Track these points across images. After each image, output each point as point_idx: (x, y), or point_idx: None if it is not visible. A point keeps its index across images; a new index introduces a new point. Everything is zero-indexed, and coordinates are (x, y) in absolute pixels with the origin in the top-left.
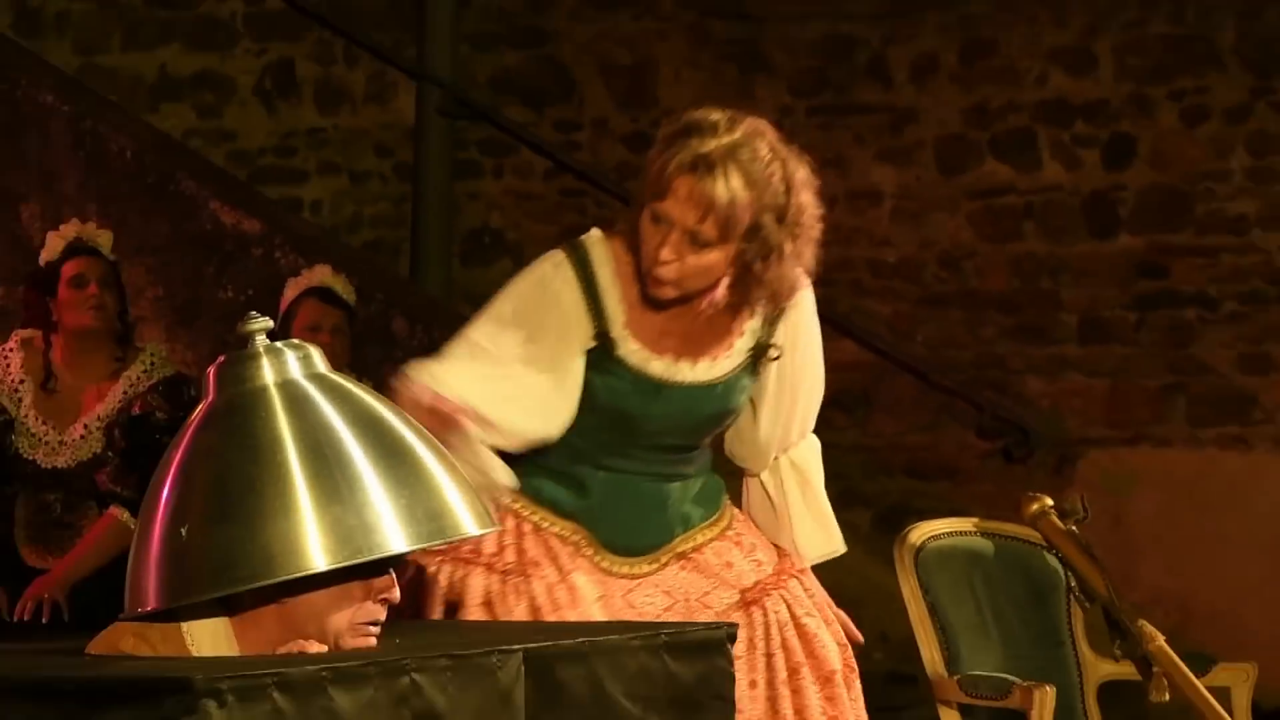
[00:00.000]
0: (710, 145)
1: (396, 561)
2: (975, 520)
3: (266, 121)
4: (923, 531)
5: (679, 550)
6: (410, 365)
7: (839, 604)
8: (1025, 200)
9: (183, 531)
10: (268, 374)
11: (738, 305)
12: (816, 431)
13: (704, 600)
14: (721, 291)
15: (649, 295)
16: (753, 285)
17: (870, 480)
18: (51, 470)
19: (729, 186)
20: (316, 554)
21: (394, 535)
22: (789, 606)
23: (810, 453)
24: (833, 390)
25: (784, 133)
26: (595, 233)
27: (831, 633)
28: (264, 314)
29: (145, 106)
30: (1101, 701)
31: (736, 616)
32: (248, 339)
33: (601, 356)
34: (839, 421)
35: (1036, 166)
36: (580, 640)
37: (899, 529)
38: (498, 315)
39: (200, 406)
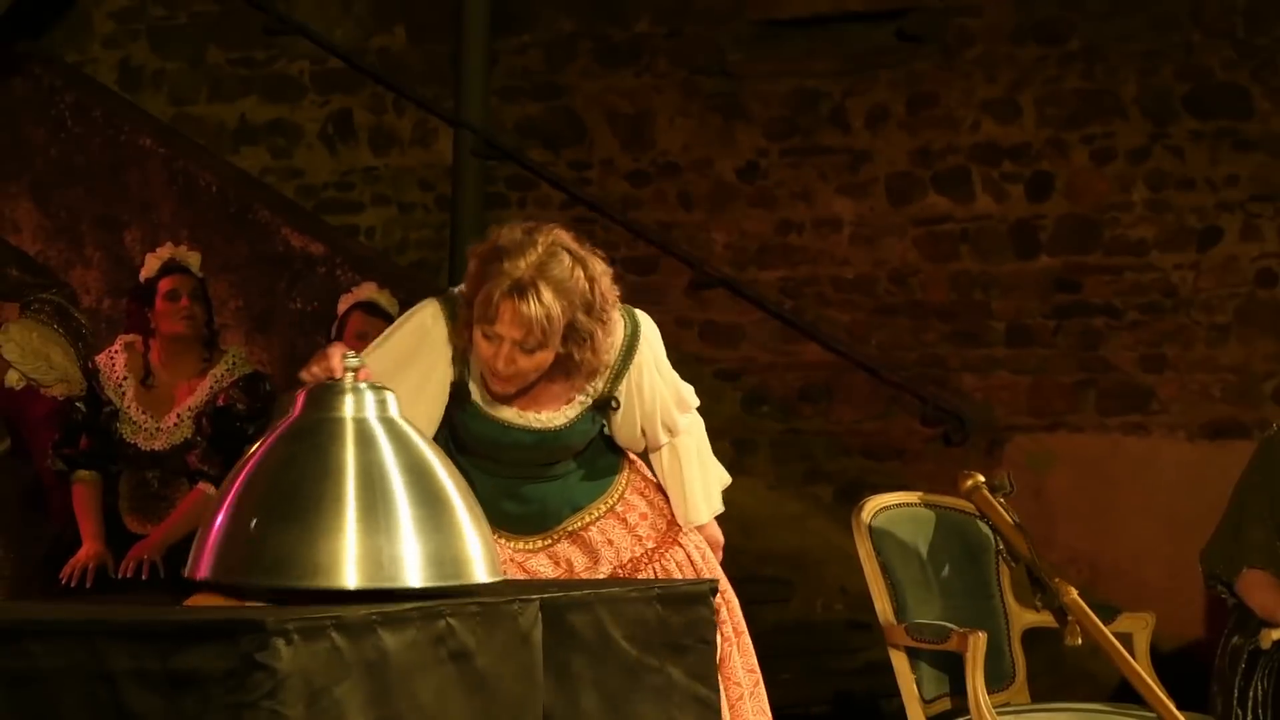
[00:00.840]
0: (521, 268)
1: None
2: (920, 494)
3: (329, 161)
4: (876, 503)
5: (569, 529)
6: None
7: (807, 564)
8: (961, 227)
9: (252, 524)
10: (348, 409)
11: (570, 380)
12: (787, 422)
13: (588, 572)
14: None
15: (493, 390)
16: (573, 367)
17: (832, 460)
18: (150, 452)
19: (543, 303)
20: (351, 574)
21: (413, 573)
22: (679, 568)
23: (686, 437)
24: (800, 385)
25: (760, 171)
26: (457, 290)
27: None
28: (325, 323)
29: (228, 149)
30: (1024, 645)
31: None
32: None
33: (462, 398)
34: (806, 411)
35: (971, 199)
36: (588, 592)
37: (856, 501)
38: (378, 359)
39: (287, 419)
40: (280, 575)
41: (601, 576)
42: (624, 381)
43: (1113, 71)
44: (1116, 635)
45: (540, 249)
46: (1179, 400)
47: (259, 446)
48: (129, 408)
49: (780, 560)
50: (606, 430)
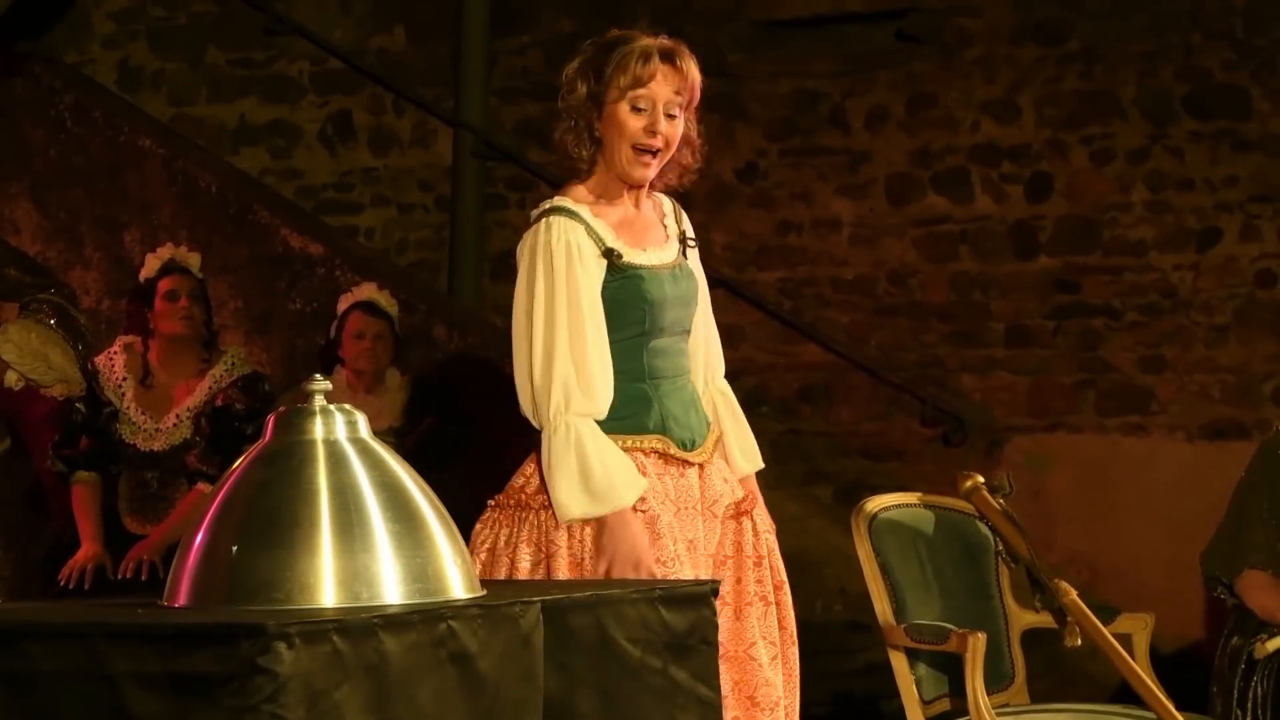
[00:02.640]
0: (662, 41)
1: None
2: (919, 495)
3: (328, 162)
4: (875, 504)
5: (713, 441)
6: (560, 419)
7: (807, 564)
8: (961, 227)
9: (233, 550)
10: (318, 430)
11: (662, 174)
12: (786, 423)
13: (730, 496)
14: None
15: (634, 176)
16: (685, 150)
17: (831, 461)
18: (149, 453)
19: (691, 66)
20: (329, 593)
21: (390, 590)
22: (765, 521)
23: (729, 388)
24: (799, 386)
25: (759, 172)
26: (546, 202)
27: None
28: (325, 323)
29: (227, 149)
30: (1024, 646)
31: (726, 524)
32: (308, 396)
33: (614, 268)
34: (805, 412)
35: (970, 199)
36: (589, 593)
37: (856, 502)
38: (547, 294)
39: (257, 445)
40: (259, 599)
41: (725, 510)
42: (684, 223)
43: (1112, 72)
44: (1116, 636)
45: (660, 35)
46: (1178, 401)
47: (226, 477)
48: (128, 408)
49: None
50: None
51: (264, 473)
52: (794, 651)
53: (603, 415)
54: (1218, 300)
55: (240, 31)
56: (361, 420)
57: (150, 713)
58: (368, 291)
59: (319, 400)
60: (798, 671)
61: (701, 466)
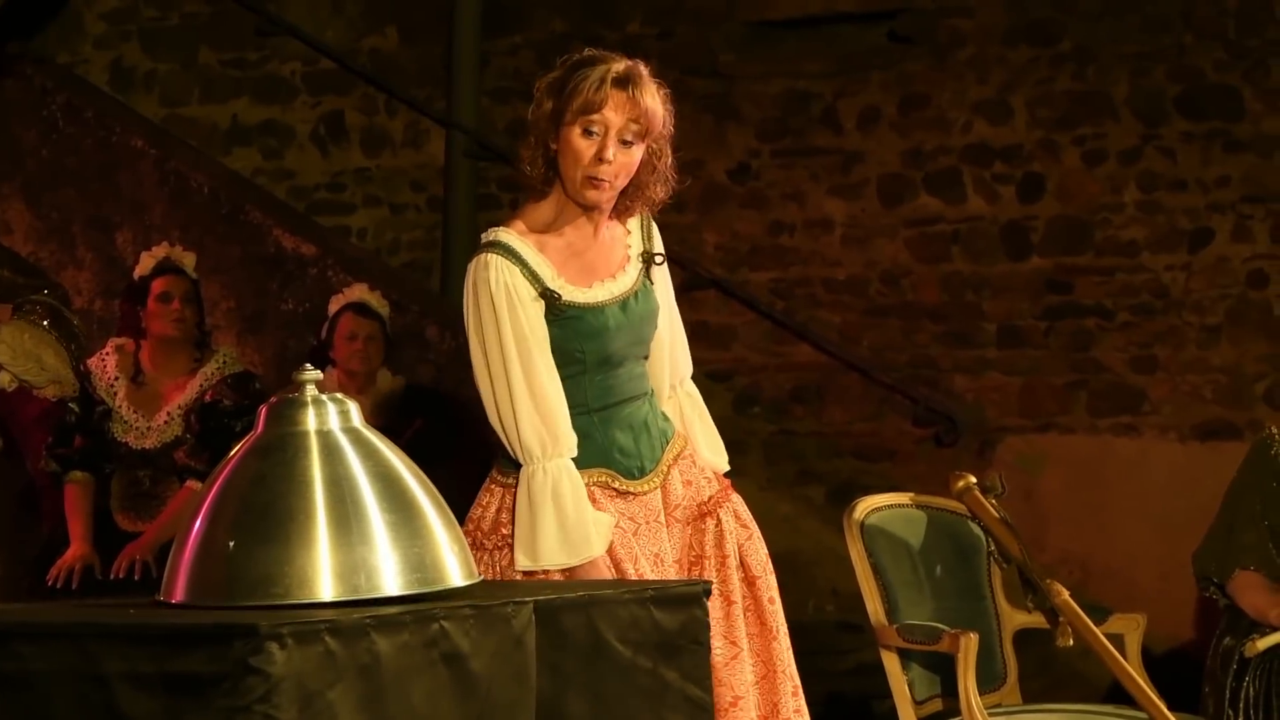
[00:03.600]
0: (621, 67)
1: None
2: (911, 495)
3: (321, 162)
4: (867, 504)
5: (672, 456)
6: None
7: (799, 565)
8: (953, 228)
9: (230, 545)
10: (311, 421)
11: (629, 208)
12: (778, 423)
13: (689, 501)
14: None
15: (585, 200)
16: (649, 180)
17: (824, 461)
18: (141, 451)
19: (645, 91)
20: (327, 586)
21: (389, 581)
22: (732, 520)
23: (695, 389)
24: (792, 386)
25: (751, 172)
26: (492, 231)
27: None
28: (317, 323)
29: (220, 150)
30: (1016, 646)
31: (692, 526)
32: (299, 386)
33: (552, 309)
34: (797, 412)
35: (962, 200)
36: (581, 594)
37: (848, 502)
38: (495, 337)
39: (249, 437)
40: (257, 594)
41: (687, 514)
42: (653, 241)
43: (1104, 73)
44: (1108, 636)
45: (625, 60)
46: (1170, 401)
47: (219, 470)
48: (120, 406)
49: (771, 561)
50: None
51: (258, 465)
52: (777, 645)
53: (573, 454)
54: (1210, 301)
55: (232, 32)
56: (354, 409)
57: (143, 713)
58: (359, 293)
59: (310, 390)
60: (784, 668)
61: (659, 487)
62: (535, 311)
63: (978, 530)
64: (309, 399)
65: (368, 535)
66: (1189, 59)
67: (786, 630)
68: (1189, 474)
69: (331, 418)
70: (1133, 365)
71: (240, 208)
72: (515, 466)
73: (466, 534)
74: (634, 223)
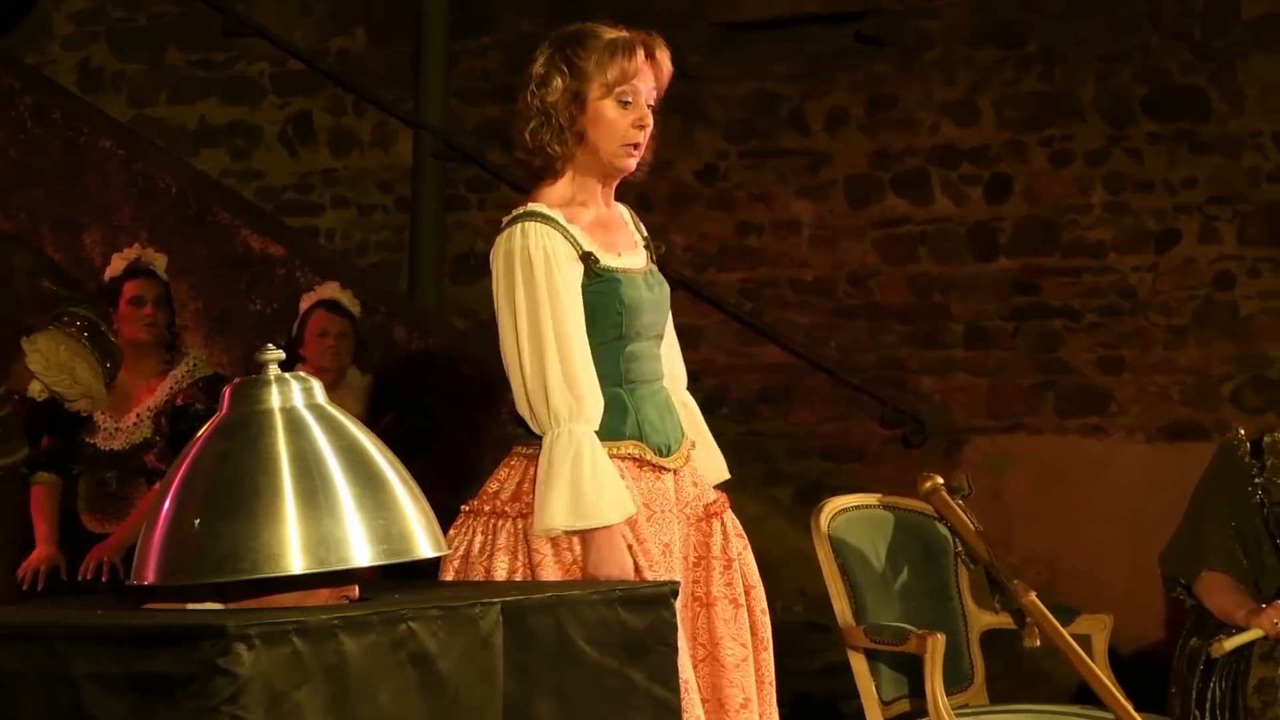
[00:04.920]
0: (643, 35)
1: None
2: (879, 495)
3: (288, 163)
4: (835, 505)
5: (687, 445)
6: (562, 434)
7: (767, 565)
8: (920, 229)
9: (196, 523)
10: (275, 399)
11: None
12: (746, 424)
13: (699, 499)
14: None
15: (623, 168)
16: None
17: (791, 462)
18: (109, 452)
19: (668, 59)
20: (296, 560)
21: (359, 552)
22: (734, 527)
23: (694, 403)
24: (759, 387)
25: (719, 173)
26: (519, 209)
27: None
28: (285, 323)
29: (187, 151)
30: (983, 647)
31: (696, 526)
32: (262, 366)
33: (591, 270)
34: (765, 413)
35: (929, 201)
36: (549, 595)
37: (815, 503)
38: (530, 302)
39: (214, 418)
40: (227, 570)
41: (697, 512)
42: (643, 230)
43: (1071, 74)
44: (1075, 637)
45: (629, 30)
46: (1137, 402)
47: (185, 451)
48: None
49: None
50: None
51: (223, 444)
52: (766, 657)
53: (598, 422)
54: (1176, 302)
55: (200, 33)
56: (317, 386)
57: (110, 714)
58: (331, 290)
59: (273, 369)
60: (771, 677)
61: (676, 471)
62: (573, 273)
63: (945, 531)
64: (272, 378)
65: (335, 508)
66: (1155, 60)
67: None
68: (1156, 475)
69: (295, 395)
70: (1100, 366)
71: (208, 208)
72: (537, 439)
73: (483, 503)
74: (626, 212)
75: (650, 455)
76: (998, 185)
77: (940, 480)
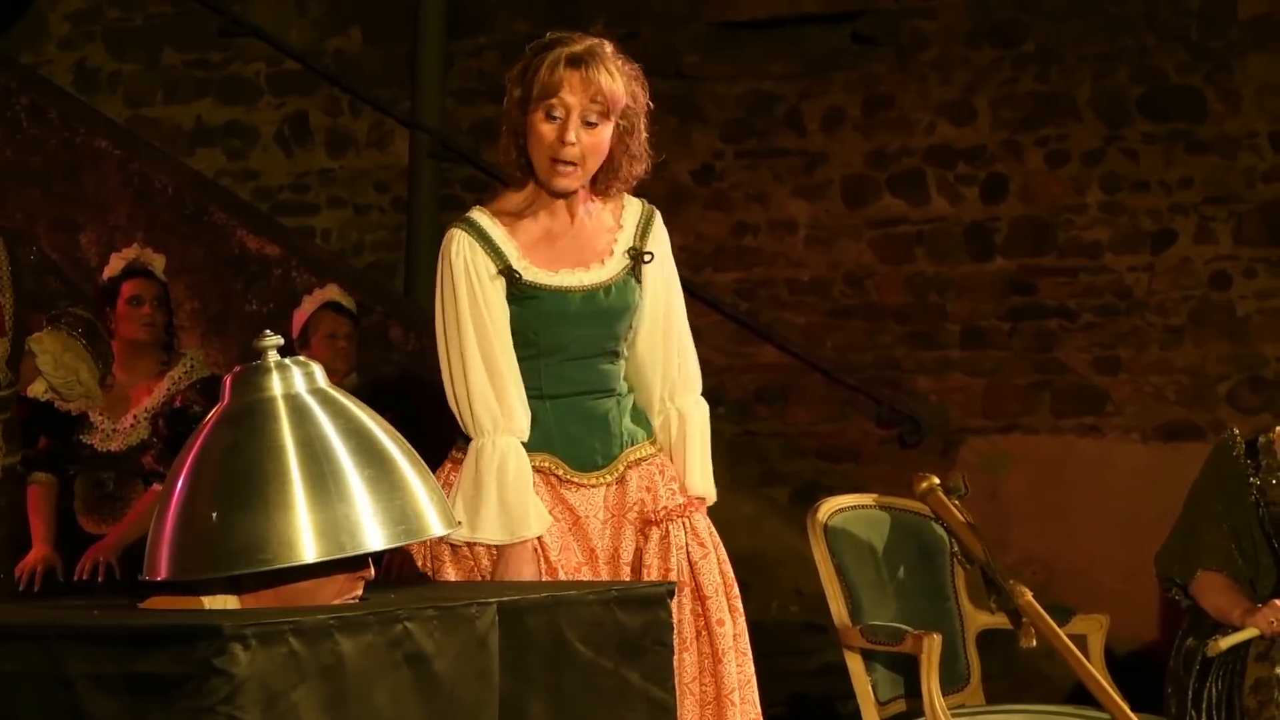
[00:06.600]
0: (578, 47)
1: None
2: (875, 496)
3: (285, 163)
4: (831, 505)
5: (630, 460)
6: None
7: (763, 565)
8: (917, 229)
9: (213, 515)
10: (277, 386)
11: (606, 188)
12: (742, 424)
13: (635, 508)
14: (590, 180)
15: (554, 186)
16: (622, 158)
17: (787, 462)
18: (106, 453)
19: (605, 69)
20: (309, 547)
21: (373, 535)
22: (685, 534)
23: (696, 410)
24: (755, 387)
25: (715, 173)
26: (470, 211)
27: (719, 569)
28: (282, 323)
29: (184, 151)
30: (979, 647)
31: (641, 532)
32: (261, 354)
33: (513, 288)
34: (761, 413)
35: (926, 201)
36: (545, 595)
37: (812, 503)
38: (454, 312)
39: (216, 408)
40: (243, 562)
41: (653, 508)
42: (649, 238)
43: (1067, 74)
44: (1071, 637)
45: (589, 40)
46: (1133, 402)
47: (188, 445)
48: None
49: (735, 562)
50: (632, 324)
51: (230, 434)
52: (723, 669)
53: (525, 434)
54: (1172, 302)
55: (196, 33)
56: (318, 371)
57: (106, 714)
58: (333, 292)
59: (273, 355)
60: (729, 692)
61: (612, 484)
62: (495, 289)
63: (941, 531)
64: (272, 364)
65: (346, 492)
66: (1151, 60)
67: (743, 651)
68: (1152, 475)
69: (297, 381)
70: (1096, 366)
71: (204, 209)
72: (468, 443)
73: None
74: (630, 216)
75: (562, 470)
76: (994, 185)
77: (936, 480)
